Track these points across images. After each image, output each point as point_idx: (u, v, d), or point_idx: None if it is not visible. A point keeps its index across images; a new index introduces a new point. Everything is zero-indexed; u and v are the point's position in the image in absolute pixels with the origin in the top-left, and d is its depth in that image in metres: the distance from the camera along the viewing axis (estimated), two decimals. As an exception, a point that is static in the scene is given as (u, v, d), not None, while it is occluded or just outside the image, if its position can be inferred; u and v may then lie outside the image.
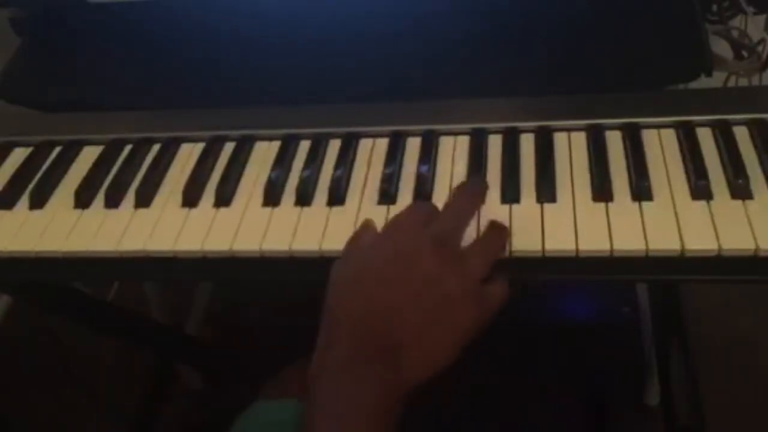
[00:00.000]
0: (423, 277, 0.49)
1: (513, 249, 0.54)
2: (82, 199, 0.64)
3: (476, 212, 0.56)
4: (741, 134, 0.60)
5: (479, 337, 0.50)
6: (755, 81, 0.76)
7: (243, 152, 0.66)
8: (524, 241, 0.55)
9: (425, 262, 0.49)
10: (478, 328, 0.50)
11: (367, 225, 0.57)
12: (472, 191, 0.57)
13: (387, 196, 0.60)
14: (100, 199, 0.65)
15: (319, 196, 0.61)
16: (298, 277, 0.59)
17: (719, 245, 0.52)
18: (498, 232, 0.54)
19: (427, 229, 0.52)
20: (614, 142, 0.62)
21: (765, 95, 0.65)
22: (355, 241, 0.55)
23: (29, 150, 0.71)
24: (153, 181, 0.65)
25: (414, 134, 0.65)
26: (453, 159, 0.63)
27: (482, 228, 0.56)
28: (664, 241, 0.53)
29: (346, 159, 0.64)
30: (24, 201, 0.66)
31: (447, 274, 0.49)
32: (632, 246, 0.53)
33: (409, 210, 0.55)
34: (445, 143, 0.64)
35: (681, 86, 0.69)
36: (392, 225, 0.54)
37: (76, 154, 0.70)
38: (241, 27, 0.77)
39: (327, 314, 0.50)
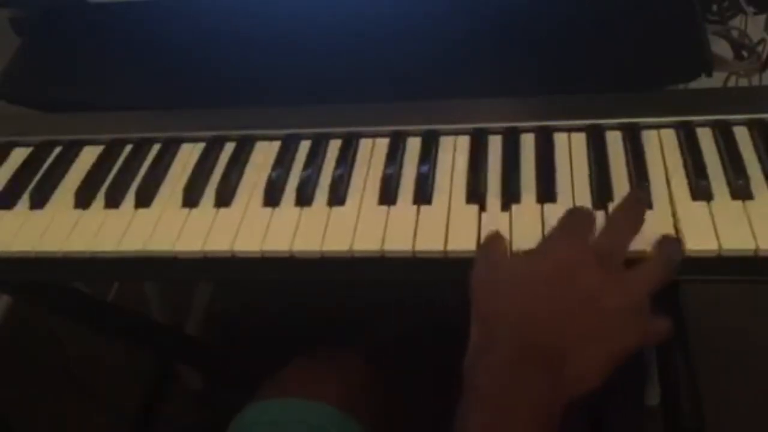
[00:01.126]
0: (586, 290, 0.48)
1: (513, 249, 0.54)
2: (82, 199, 0.64)
3: (640, 226, 0.53)
4: (741, 134, 0.60)
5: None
6: (755, 81, 0.76)
7: (243, 152, 0.66)
8: (525, 240, 0.55)
9: (588, 275, 0.48)
10: (631, 352, 0.48)
11: (498, 235, 0.55)
12: (636, 204, 0.55)
13: (387, 196, 0.60)
14: (100, 199, 0.65)
15: (319, 196, 0.61)
16: (298, 277, 0.59)
17: (719, 245, 0.52)
18: (666, 255, 0.52)
19: (590, 241, 0.51)
20: (614, 142, 0.62)
21: (765, 95, 0.65)
22: (493, 245, 0.53)
23: (29, 150, 0.70)
24: (153, 181, 0.65)
25: (414, 134, 0.65)
26: (453, 159, 0.63)
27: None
28: (664, 241, 0.53)
29: (346, 159, 0.64)
30: (24, 201, 0.66)
31: (608, 290, 0.48)
32: (632, 246, 0.53)
33: (569, 217, 0.53)
34: (445, 143, 0.64)
35: (681, 86, 0.69)
36: (554, 233, 0.53)
37: (76, 154, 0.69)
38: (241, 27, 0.77)
39: (481, 319, 0.49)
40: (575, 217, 0.53)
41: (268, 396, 0.69)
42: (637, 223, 0.52)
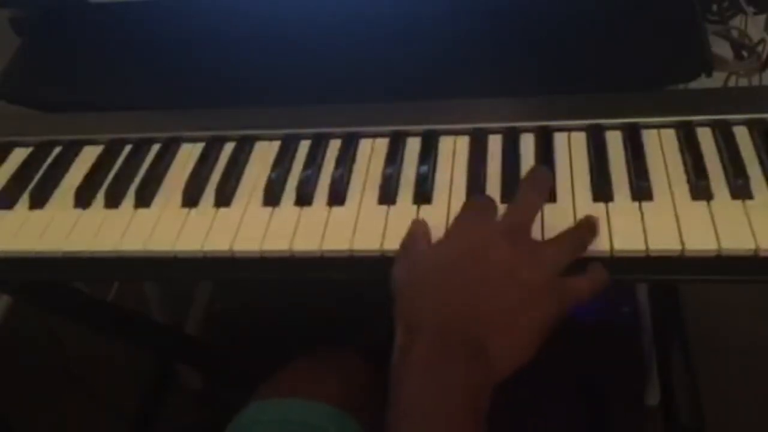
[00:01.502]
0: (497, 268, 0.49)
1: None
2: (82, 199, 0.64)
3: (544, 200, 0.55)
4: (741, 134, 0.60)
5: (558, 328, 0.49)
6: (755, 81, 0.76)
7: (243, 152, 0.66)
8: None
9: (498, 253, 0.49)
10: (557, 320, 0.49)
11: (420, 226, 0.56)
12: (538, 181, 0.57)
13: (387, 196, 0.60)
14: (100, 199, 0.65)
15: (319, 196, 0.61)
16: (298, 277, 0.59)
17: (719, 245, 0.52)
18: (582, 228, 0.54)
19: (495, 221, 0.52)
20: (614, 142, 0.62)
21: (765, 95, 0.65)
22: (412, 243, 0.55)
23: (29, 150, 0.70)
24: (153, 181, 0.65)
25: (414, 134, 0.65)
26: (453, 159, 0.63)
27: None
28: (664, 241, 0.53)
29: (346, 159, 0.64)
30: (24, 201, 0.65)
31: (521, 264, 0.49)
32: (632, 246, 0.53)
33: (469, 205, 0.55)
34: (445, 143, 0.64)
35: (681, 86, 0.69)
36: (457, 222, 0.54)
37: (76, 154, 0.69)
38: (241, 27, 0.77)
39: (402, 319, 0.49)
40: (476, 201, 0.55)
41: (267, 396, 0.69)
42: (539, 200, 0.54)
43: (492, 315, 0.48)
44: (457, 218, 0.54)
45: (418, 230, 0.55)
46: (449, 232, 0.54)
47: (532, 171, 0.58)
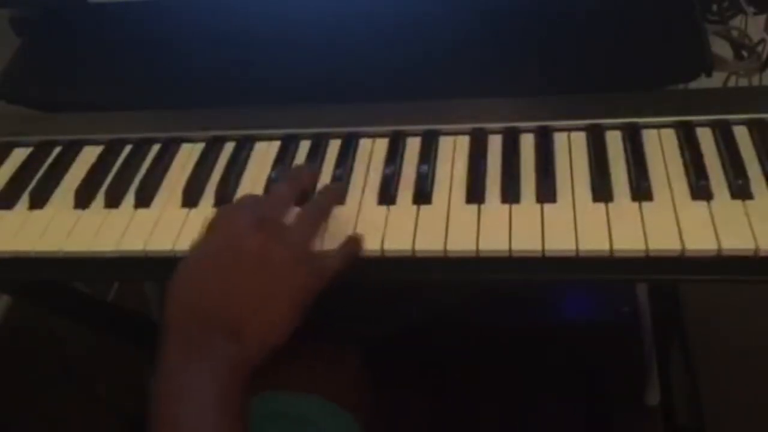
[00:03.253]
0: (248, 254, 0.51)
1: (513, 249, 0.54)
2: (82, 199, 0.64)
3: (296, 194, 0.58)
4: (741, 134, 0.60)
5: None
6: (755, 81, 0.76)
7: (243, 152, 0.66)
8: (524, 241, 0.55)
9: (248, 238, 0.51)
10: (312, 295, 0.52)
11: None
12: (294, 178, 0.60)
13: (387, 196, 0.60)
14: (100, 199, 0.65)
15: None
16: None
17: (719, 245, 0.52)
18: (320, 195, 0.58)
19: (247, 215, 0.54)
20: (614, 142, 0.62)
21: (765, 95, 0.65)
22: None
23: (29, 150, 0.71)
24: (153, 181, 0.65)
25: (414, 134, 0.65)
26: (453, 159, 0.63)
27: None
28: (664, 241, 0.53)
29: (346, 159, 0.64)
30: (24, 201, 0.66)
31: (271, 246, 0.51)
32: (632, 246, 0.53)
33: (233, 203, 0.59)
34: (445, 143, 0.64)
35: (681, 86, 0.69)
36: (216, 218, 0.56)
37: (76, 154, 0.69)
38: (241, 27, 0.77)
39: (164, 319, 0.51)
40: (239, 201, 0.58)
41: (261, 389, 0.69)
42: (291, 192, 0.57)
43: (242, 297, 0.50)
44: (213, 217, 0.56)
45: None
46: (210, 224, 0.56)
47: (292, 170, 0.63)
